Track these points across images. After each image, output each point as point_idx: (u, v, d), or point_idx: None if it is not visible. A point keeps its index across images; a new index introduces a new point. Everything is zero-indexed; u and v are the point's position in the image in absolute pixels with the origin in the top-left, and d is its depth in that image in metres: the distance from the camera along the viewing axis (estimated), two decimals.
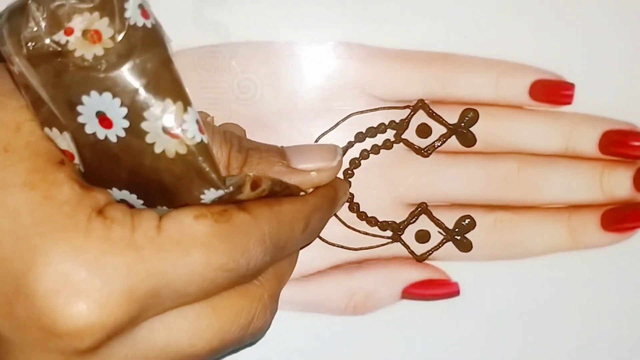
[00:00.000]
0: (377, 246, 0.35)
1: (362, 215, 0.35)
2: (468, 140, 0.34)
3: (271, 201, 0.27)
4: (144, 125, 0.23)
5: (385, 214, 0.35)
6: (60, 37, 0.23)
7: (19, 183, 0.23)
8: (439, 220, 0.35)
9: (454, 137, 0.34)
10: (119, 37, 0.23)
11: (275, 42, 0.34)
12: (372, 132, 0.34)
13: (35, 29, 0.23)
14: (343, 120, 0.34)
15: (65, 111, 0.23)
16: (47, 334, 0.23)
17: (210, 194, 0.25)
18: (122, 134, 0.23)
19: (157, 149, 0.24)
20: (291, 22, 0.34)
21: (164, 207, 0.26)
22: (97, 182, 0.25)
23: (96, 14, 0.23)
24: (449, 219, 0.35)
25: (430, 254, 0.35)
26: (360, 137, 0.34)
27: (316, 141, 0.34)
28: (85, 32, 0.23)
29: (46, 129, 0.24)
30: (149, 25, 0.24)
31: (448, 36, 0.34)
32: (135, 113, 0.23)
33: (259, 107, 0.34)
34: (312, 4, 0.34)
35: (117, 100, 0.23)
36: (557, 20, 0.34)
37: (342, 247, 0.35)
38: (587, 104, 0.34)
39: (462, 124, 0.34)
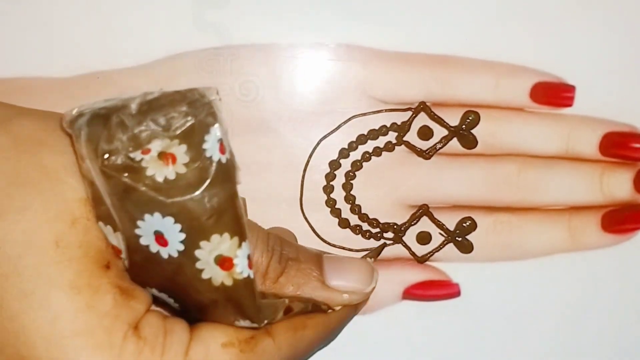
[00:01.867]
0: (379, 247, 0.35)
1: (363, 217, 0.35)
2: (469, 142, 0.34)
3: (297, 325, 0.28)
4: (197, 253, 0.24)
5: (386, 216, 0.35)
6: (137, 155, 0.23)
7: (65, 284, 0.24)
8: (440, 222, 0.35)
9: (455, 139, 0.34)
10: (193, 166, 0.23)
11: (276, 45, 0.34)
12: (373, 134, 0.34)
13: (113, 144, 0.23)
14: (345, 122, 0.34)
15: (125, 222, 0.24)
16: None
17: (244, 323, 0.26)
18: (175, 254, 0.24)
19: (205, 276, 0.24)
20: (292, 25, 0.34)
21: (197, 316, 0.27)
22: (138, 280, 0.26)
23: (176, 141, 0.23)
24: (450, 221, 0.35)
25: (432, 255, 0.35)
26: (361, 139, 0.34)
27: (318, 144, 0.34)
28: (161, 154, 0.23)
29: (100, 223, 0.25)
30: (223, 160, 0.24)
31: (449, 38, 0.34)
32: (192, 241, 0.24)
33: (260, 109, 0.34)
34: (313, 7, 0.34)
35: (178, 226, 0.23)
36: (558, 22, 0.34)
37: (343, 248, 0.35)
38: (588, 106, 0.35)
39: (463, 126, 0.34)
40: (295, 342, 0.28)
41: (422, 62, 0.34)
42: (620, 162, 0.35)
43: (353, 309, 0.31)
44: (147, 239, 0.24)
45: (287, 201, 0.35)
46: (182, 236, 0.24)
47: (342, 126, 0.34)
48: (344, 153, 0.35)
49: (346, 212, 0.35)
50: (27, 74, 0.34)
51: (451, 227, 0.35)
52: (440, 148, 0.35)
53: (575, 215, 0.35)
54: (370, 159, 0.35)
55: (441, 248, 0.35)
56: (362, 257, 0.34)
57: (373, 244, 0.35)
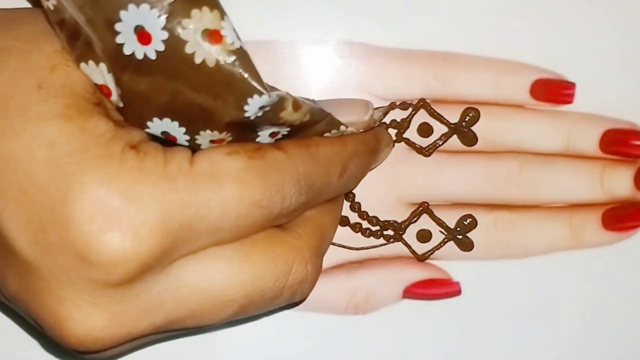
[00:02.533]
0: (378, 245, 0.35)
1: (363, 215, 0.35)
2: (469, 139, 0.34)
3: (308, 141, 0.27)
4: (182, 34, 0.23)
5: (386, 214, 0.35)
6: None
7: (55, 115, 0.23)
8: (440, 220, 0.35)
9: (455, 136, 0.34)
10: None
11: (276, 42, 0.34)
12: None
13: None
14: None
15: (104, 32, 0.23)
16: (80, 261, 0.23)
17: (253, 103, 0.24)
18: (161, 47, 0.23)
19: (197, 59, 0.23)
20: (292, 21, 0.34)
21: (207, 131, 0.25)
22: (136, 115, 0.25)
23: None
24: (450, 219, 0.35)
25: (432, 253, 0.35)
26: None
27: None
28: None
29: (82, 65, 0.24)
30: None
31: (449, 35, 0.34)
32: (174, 22, 0.23)
33: None
34: (313, 3, 0.34)
35: (155, 11, 0.23)
36: (558, 19, 0.34)
37: (343, 246, 0.35)
38: (588, 103, 0.35)
39: (464, 123, 0.34)
40: (311, 156, 0.27)
41: (422, 59, 0.34)
42: (621, 159, 0.35)
43: (370, 142, 0.30)
44: (130, 45, 0.23)
45: None
46: (162, 22, 0.23)
47: None
48: None
49: (346, 210, 0.35)
50: None
51: (451, 225, 0.35)
52: (440, 145, 0.34)
53: (576, 213, 0.35)
54: None
55: (441, 246, 0.35)
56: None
57: (373, 241, 0.35)
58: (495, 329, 0.36)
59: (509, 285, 0.35)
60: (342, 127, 0.29)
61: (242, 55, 0.24)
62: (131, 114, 0.25)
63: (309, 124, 0.27)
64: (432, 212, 0.35)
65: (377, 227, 0.35)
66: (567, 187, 0.35)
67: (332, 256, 0.35)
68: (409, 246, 0.35)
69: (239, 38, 0.24)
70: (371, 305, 0.36)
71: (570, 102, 0.35)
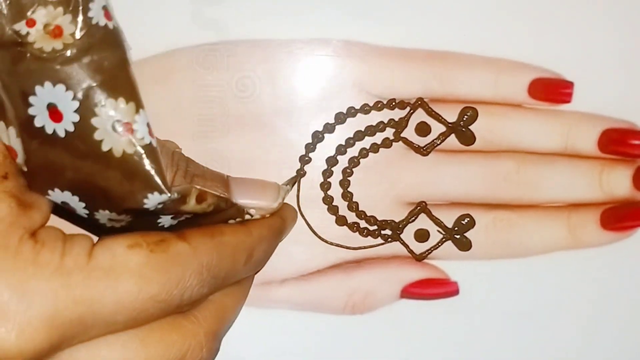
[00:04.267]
0: (376, 245, 0.35)
1: (361, 214, 0.35)
2: (467, 138, 0.34)
3: (213, 230, 0.27)
4: (94, 121, 0.23)
5: (384, 213, 0.35)
6: (22, 27, 0.23)
7: None
8: (438, 219, 0.35)
9: (453, 135, 0.34)
10: (80, 34, 0.23)
11: (274, 40, 0.34)
12: (371, 130, 0.34)
13: None
14: (342, 120, 0.34)
15: (17, 101, 0.23)
16: None
17: (153, 198, 0.24)
18: (71, 128, 0.23)
19: (105, 147, 0.23)
20: (290, 20, 0.34)
21: (106, 212, 0.25)
22: (38, 181, 0.25)
23: (60, 9, 0.23)
24: (448, 218, 0.35)
25: (430, 253, 0.35)
26: (359, 135, 0.34)
27: (315, 141, 0.34)
28: (46, 26, 0.23)
29: None
30: (110, 26, 0.24)
31: (447, 34, 0.34)
32: (87, 108, 0.23)
33: (257, 105, 0.34)
34: (310, 2, 0.34)
35: (70, 93, 0.23)
36: (556, 18, 0.34)
37: (341, 246, 0.35)
38: (587, 102, 0.34)
39: (462, 123, 0.34)
40: (215, 246, 0.26)
41: (420, 58, 0.34)
42: (619, 159, 0.35)
43: (274, 225, 0.30)
44: (41, 118, 0.23)
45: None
46: (76, 104, 0.23)
47: (339, 122, 0.34)
48: (341, 149, 0.34)
49: (343, 209, 0.35)
50: None
51: (449, 225, 0.35)
52: (439, 144, 0.34)
53: (575, 212, 0.35)
54: (367, 155, 0.34)
55: (439, 246, 0.35)
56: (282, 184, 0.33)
57: (371, 241, 0.35)
58: (494, 329, 0.36)
59: (507, 285, 0.35)
60: (247, 216, 0.29)
61: (150, 151, 0.24)
62: (34, 179, 0.25)
63: (213, 212, 0.27)
64: (430, 212, 0.35)
65: (375, 227, 0.35)
66: (565, 186, 0.35)
67: (330, 256, 0.35)
68: (406, 246, 0.35)
69: (150, 134, 0.24)
70: (369, 305, 0.35)
71: (568, 101, 0.34)
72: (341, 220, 0.35)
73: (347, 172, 0.35)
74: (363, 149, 0.34)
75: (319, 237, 0.35)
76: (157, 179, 0.24)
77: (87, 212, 0.25)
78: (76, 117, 0.23)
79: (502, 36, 0.34)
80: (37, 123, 0.23)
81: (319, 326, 0.36)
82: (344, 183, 0.35)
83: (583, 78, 0.34)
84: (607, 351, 0.36)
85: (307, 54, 0.34)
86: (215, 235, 0.27)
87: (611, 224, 0.35)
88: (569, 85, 0.34)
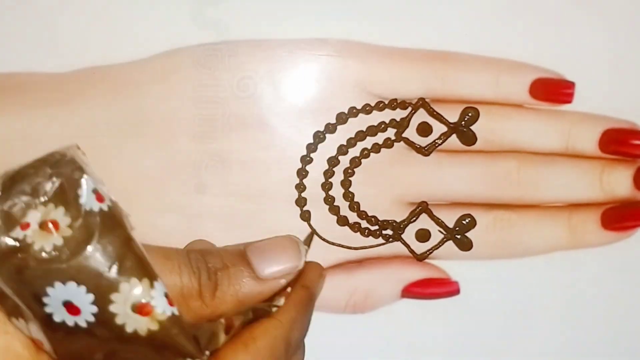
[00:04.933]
0: (378, 245, 0.35)
1: (362, 214, 0.35)
2: (468, 138, 0.34)
3: (246, 340, 0.27)
4: (112, 308, 0.23)
5: (385, 213, 0.35)
6: (18, 233, 0.23)
7: None
8: (440, 219, 0.35)
9: (454, 135, 0.34)
10: (77, 224, 0.23)
11: (274, 41, 0.34)
12: (372, 130, 0.34)
13: None
14: (344, 120, 0.34)
15: (31, 304, 0.23)
16: None
17: None
18: (92, 319, 0.23)
19: (129, 329, 0.23)
20: (291, 21, 0.34)
21: None
22: None
23: (51, 205, 0.23)
24: (449, 218, 0.35)
25: (431, 252, 0.35)
26: (360, 135, 0.34)
27: (316, 138, 0.34)
28: (42, 224, 0.23)
29: (13, 319, 0.24)
30: (105, 208, 0.24)
31: (448, 35, 0.34)
32: (102, 297, 0.23)
33: (258, 105, 0.34)
34: (311, 3, 0.34)
35: (83, 288, 0.23)
36: (557, 19, 0.34)
37: (343, 246, 0.35)
38: (587, 102, 0.34)
39: (463, 123, 0.34)
40: (252, 357, 0.26)
41: (421, 58, 0.34)
42: (620, 159, 0.35)
43: (302, 300, 0.30)
44: (59, 314, 0.23)
45: (285, 198, 0.34)
46: (91, 297, 0.23)
47: (340, 122, 0.34)
48: (342, 150, 0.34)
49: (345, 209, 0.35)
50: (24, 70, 0.34)
51: (450, 225, 0.35)
52: (440, 144, 0.34)
53: (575, 212, 0.35)
54: (369, 155, 0.34)
55: (440, 245, 0.35)
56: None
57: (372, 241, 0.35)
58: (494, 328, 0.36)
59: (507, 284, 0.35)
60: (274, 309, 0.29)
61: (173, 321, 0.24)
62: None
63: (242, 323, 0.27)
64: (431, 212, 0.35)
65: (376, 227, 0.35)
66: (566, 186, 0.35)
67: (332, 256, 0.35)
68: (407, 245, 0.35)
69: (170, 303, 0.24)
70: (370, 304, 0.36)
71: (569, 101, 0.34)
72: (342, 220, 0.35)
73: (348, 172, 0.35)
74: (364, 149, 0.34)
75: (320, 237, 0.35)
76: (189, 347, 0.24)
77: None
78: (94, 309, 0.23)
79: (503, 36, 0.34)
80: (57, 319, 0.23)
81: (320, 325, 0.36)
82: (346, 183, 0.35)
83: (584, 78, 0.34)
84: (607, 350, 0.36)
85: (308, 54, 0.34)
86: (249, 344, 0.27)
87: (612, 224, 0.35)
88: (570, 85, 0.34)
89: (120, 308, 0.23)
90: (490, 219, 0.35)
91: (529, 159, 0.35)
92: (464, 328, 0.36)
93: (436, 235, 0.35)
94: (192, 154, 0.34)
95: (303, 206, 0.35)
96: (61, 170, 0.23)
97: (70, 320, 0.23)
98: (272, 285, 0.28)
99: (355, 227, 0.35)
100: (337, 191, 0.35)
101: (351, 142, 0.34)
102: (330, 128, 0.34)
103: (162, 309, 0.24)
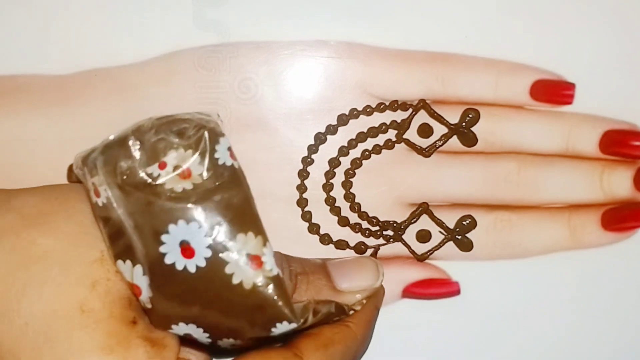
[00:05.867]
0: (379, 246, 0.35)
1: (363, 215, 0.35)
2: (469, 140, 0.34)
3: (326, 342, 0.28)
4: (225, 256, 0.24)
5: (386, 214, 0.35)
6: (154, 169, 0.24)
7: (96, 347, 0.24)
8: (440, 220, 0.35)
9: (455, 137, 0.34)
10: (207, 175, 0.25)
11: (275, 42, 0.34)
12: (373, 131, 0.34)
13: (131, 161, 0.24)
14: (344, 122, 0.34)
15: (149, 240, 0.24)
16: None
17: (282, 327, 0.26)
18: (203, 263, 0.24)
19: (235, 280, 0.24)
20: (291, 22, 0.34)
21: (230, 340, 0.26)
22: (163, 317, 0.26)
23: (189, 151, 0.25)
24: (450, 219, 0.35)
25: (431, 253, 0.35)
26: (361, 137, 0.34)
27: (317, 139, 0.34)
28: (176, 168, 0.24)
29: (119, 262, 0.25)
30: (236, 165, 0.25)
31: (449, 36, 0.34)
32: (219, 243, 0.24)
33: (259, 107, 0.34)
34: (312, 4, 0.34)
35: (203, 230, 0.24)
36: (558, 20, 0.34)
37: (342, 246, 0.35)
38: (588, 103, 0.34)
39: (463, 124, 0.34)
40: (327, 359, 0.28)
41: (422, 59, 0.34)
42: (620, 160, 0.35)
43: (372, 312, 0.31)
44: (172, 255, 0.24)
45: (286, 199, 0.34)
46: (209, 241, 0.24)
47: (342, 124, 0.34)
48: (343, 151, 0.34)
49: (346, 210, 0.35)
50: (25, 72, 0.34)
51: (451, 225, 0.35)
52: (440, 146, 0.34)
53: (575, 213, 0.35)
54: (370, 156, 0.35)
55: (441, 246, 0.35)
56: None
57: (372, 242, 0.35)
58: (495, 329, 0.36)
59: (508, 285, 0.36)
60: (351, 312, 0.30)
61: (278, 282, 0.25)
62: (159, 316, 0.26)
63: (324, 320, 0.28)
64: (432, 213, 0.35)
65: (377, 228, 0.35)
66: (566, 187, 0.35)
67: (333, 256, 0.35)
68: (408, 246, 0.35)
69: (277, 265, 0.25)
70: None
71: (570, 102, 0.35)
72: (343, 221, 0.35)
73: (349, 174, 0.35)
74: (365, 150, 0.34)
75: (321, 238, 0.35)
76: (286, 310, 0.25)
77: (210, 341, 0.26)
78: (209, 253, 0.24)
79: (503, 38, 0.34)
80: (168, 260, 0.24)
81: None
82: (346, 184, 0.35)
83: (584, 79, 0.34)
84: (608, 351, 0.36)
85: (309, 55, 0.34)
86: (329, 346, 0.28)
87: (612, 225, 0.35)
88: (570, 86, 0.34)
89: (233, 257, 0.24)
90: (490, 220, 0.35)
91: (529, 160, 0.35)
92: (464, 328, 0.36)
93: (437, 236, 0.35)
94: None
95: (304, 207, 0.35)
96: (207, 124, 0.25)
97: (181, 262, 0.24)
98: (347, 298, 0.30)
99: (356, 228, 0.35)
100: (338, 192, 0.35)
101: (352, 144, 0.34)
102: (331, 129, 0.34)
103: (271, 267, 0.25)
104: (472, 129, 0.34)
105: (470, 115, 0.34)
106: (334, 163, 0.35)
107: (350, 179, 0.35)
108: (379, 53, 0.34)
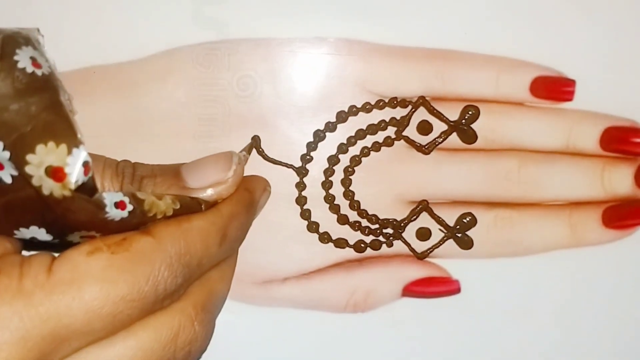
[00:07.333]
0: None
1: (362, 213, 0.35)
2: (469, 137, 0.34)
3: (180, 219, 0.26)
4: (27, 169, 0.23)
5: (386, 212, 0.35)
6: None
7: None
8: (440, 218, 0.35)
9: (455, 134, 0.34)
10: (2, 76, 0.23)
11: (274, 39, 0.34)
12: (372, 129, 0.34)
13: None
14: (343, 119, 0.34)
15: None
16: None
17: (113, 212, 0.24)
18: (16, 172, 0.23)
19: (45, 191, 0.23)
20: (291, 19, 0.34)
21: (75, 233, 0.25)
22: (1, 230, 0.25)
23: None
24: (450, 217, 0.35)
25: (431, 251, 0.35)
26: (360, 134, 0.34)
27: (316, 137, 0.34)
28: None
29: None
30: (39, 73, 0.23)
31: (448, 33, 0.34)
32: (18, 156, 0.23)
33: (258, 104, 0.34)
34: (311, 1, 0.34)
35: (0, 144, 0.23)
36: (558, 16, 0.34)
37: (342, 246, 0.35)
38: (588, 100, 0.34)
39: (463, 121, 0.34)
40: (182, 234, 0.26)
41: (421, 56, 0.34)
42: (621, 157, 0.35)
43: (243, 199, 0.29)
44: None
45: (285, 196, 0.34)
46: (7, 154, 0.23)
47: (340, 121, 0.34)
48: (342, 148, 0.34)
49: (345, 208, 0.35)
50: None
51: (451, 223, 0.35)
52: (440, 143, 0.34)
53: (576, 210, 0.35)
54: (369, 154, 0.34)
55: (441, 244, 0.35)
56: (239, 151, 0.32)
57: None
58: (495, 327, 0.36)
59: (508, 283, 0.35)
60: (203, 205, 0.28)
61: (85, 187, 0.23)
62: None
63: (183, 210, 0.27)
64: (432, 210, 0.35)
65: (377, 226, 0.35)
66: (567, 185, 0.35)
67: (332, 255, 0.35)
68: (408, 244, 0.35)
69: (86, 172, 0.23)
70: (371, 303, 0.35)
71: (570, 99, 0.34)
72: (343, 219, 0.35)
73: (348, 171, 0.34)
74: (365, 147, 0.34)
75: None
76: (104, 199, 0.24)
77: (57, 240, 0.25)
78: (13, 167, 0.23)
79: (503, 34, 0.34)
80: None
81: (320, 325, 0.36)
82: (346, 182, 0.35)
83: (585, 76, 0.34)
84: (608, 349, 0.36)
85: (309, 52, 0.34)
86: (182, 222, 0.26)
87: (613, 222, 0.35)
88: (570, 83, 0.34)
89: (35, 170, 0.23)
90: (491, 218, 0.35)
91: (529, 157, 0.35)
92: (465, 326, 0.36)
93: (437, 233, 0.35)
94: (193, 153, 0.34)
95: (303, 205, 0.35)
96: (5, 31, 0.23)
97: None
98: (198, 194, 0.28)
99: (356, 226, 0.35)
100: (337, 190, 0.35)
101: (351, 141, 0.34)
102: (331, 127, 0.34)
103: (76, 178, 0.23)
104: (472, 126, 0.34)
105: (470, 112, 0.34)
106: (333, 160, 0.34)
107: (350, 177, 0.35)
108: (379, 50, 0.34)
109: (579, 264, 0.35)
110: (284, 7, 0.33)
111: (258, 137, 0.34)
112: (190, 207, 0.27)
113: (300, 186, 0.34)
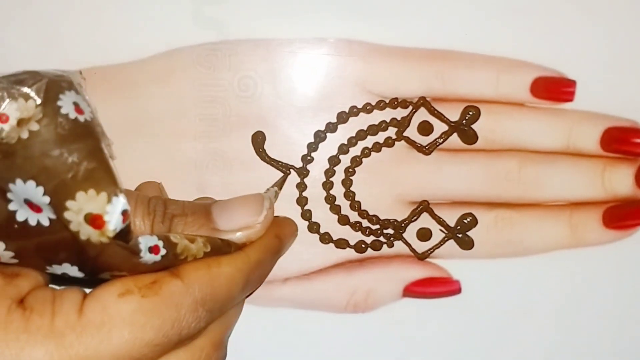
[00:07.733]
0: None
1: (363, 214, 0.35)
2: (469, 137, 0.34)
3: (210, 262, 0.27)
4: (66, 215, 0.23)
5: (386, 212, 0.35)
6: None
7: None
8: (441, 218, 0.35)
9: (455, 134, 0.34)
10: (46, 123, 0.23)
11: (275, 40, 0.34)
12: (373, 129, 0.34)
13: None
14: (344, 119, 0.34)
15: None
16: None
17: (147, 257, 0.25)
18: (54, 216, 0.23)
19: (82, 237, 0.23)
20: (291, 19, 0.34)
21: (106, 273, 0.25)
22: (34, 265, 0.25)
23: (31, 102, 0.23)
24: (451, 217, 0.35)
25: (432, 252, 0.35)
26: (361, 134, 0.34)
27: (316, 137, 0.34)
28: (20, 121, 0.23)
29: None
30: (81, 119, 0.24)
31: (449, 33, 0.34)
32: (58, 202, 0.23)
33: (258, 105, 0.34)
34: (312, 2, 0.33)
35: (41, 189, 0.23)
36: (558, 16, 0.34)
37: (342, 246, 0.35)
38: (589, 101, 0.34)
39: (464, 122, 0.34)
40: (210, 280, 0.26)
41: (422, 57, 0.34)
42: (621, 157, 0.35)
43: (271, 247, 0.30)
44: (22, 213, 0.23)
45: (286, 197, 0.34)
46: (47, 199, 0.23)
47: (341, 121, 0.34)
48: (343, 149, 0.34)
49: (346, 209, 0.35)
50: (23, 69, 0.34)
51: (452, 224, 0.35)
52: (441, 143, 0.34)
53: (577, 211, 0.35)
54: (370, 154, 0.34)
55: (442, 244, 0.35)
56: (268, 188, 0.33)
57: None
58: (495, 327, 0.36)
59: (509, 283, 0.35)
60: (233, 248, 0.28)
61: (122, 233, 0.24)
62: (27, 265, 0.25)
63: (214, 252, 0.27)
64: (432, 211, 0.35)
65: (377, 226, 0.35)
66: (567, 185, 0.35)
67: (333, 255, 0.35)
68: (409, 245, 0.35)
69: (124, 220, 0.23)
70: (371, 303, 0.35)
71: (570, 100, 0.34)
72: (343, 220, 0.35)
73: (349, 172, 0.34)
74: (365, 148, 0.34)
75: (321, 236, 0.35)
76: (139, 245, 0.24)
77: (87, 278, 0.26)
78: (51, 210, 0.23)
79: (504, 35, 0.34)
80: (20, 217, 0.24)
81: (321, 325, 0.36)
82: (346, 182, 0.35)
83: (585, 76, 0.34)
84: (608, 349, 0.36)
85: (309, 53, 0.34)
86: (212, 266, 0.27)
87: (613, 223, 0.35)
88: (571, 83, 0.34)
89: (74, 217, 0.23)
90: (491, 218, 0.35)
91: (530, 157, 0.35)
92: (465, 327, 0.36)
93: (437, 234, 0.35)
94: (193, 153, 0.34)
95: (304, 205, 0.35)
96: (50, 75, 0.24)
97: (33, 218, 0.23)
98: (227, 237, 0.28)
99: (356, 227, 0.35)
100: (338, 190, 0.35)
101: (352, 141, 0.34)
102: (331, 127, 0.34)
103: (114, 226, 0.23)
104: (473, 126, 0.34)
105: (470, 113, 0.34)
106: (333, 161, 0.34)
107: (350, 177, 0.35)
108: (379, 50, 0.34)
109: (580, 265, 0.35)
110: (284, 8, 0.33)
111: (262, 133, 0.34)
112: (220, 249, 0.28)
113: (301, 187, 0.34)
